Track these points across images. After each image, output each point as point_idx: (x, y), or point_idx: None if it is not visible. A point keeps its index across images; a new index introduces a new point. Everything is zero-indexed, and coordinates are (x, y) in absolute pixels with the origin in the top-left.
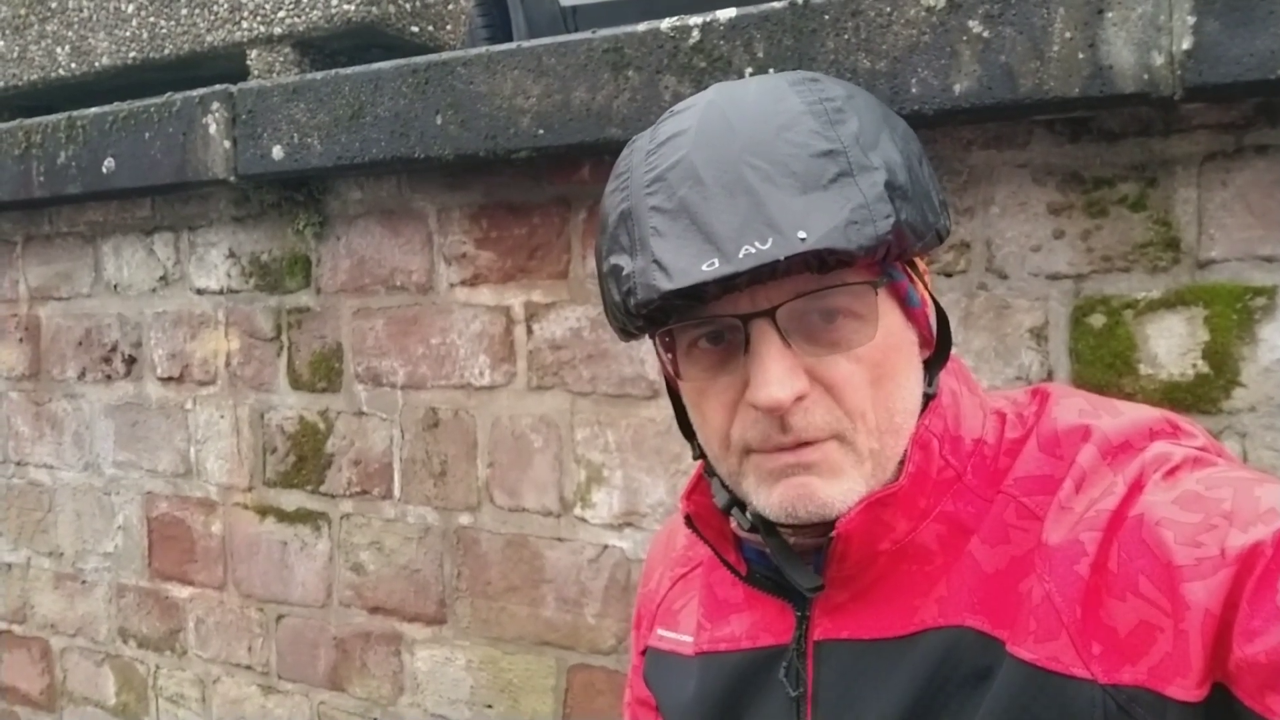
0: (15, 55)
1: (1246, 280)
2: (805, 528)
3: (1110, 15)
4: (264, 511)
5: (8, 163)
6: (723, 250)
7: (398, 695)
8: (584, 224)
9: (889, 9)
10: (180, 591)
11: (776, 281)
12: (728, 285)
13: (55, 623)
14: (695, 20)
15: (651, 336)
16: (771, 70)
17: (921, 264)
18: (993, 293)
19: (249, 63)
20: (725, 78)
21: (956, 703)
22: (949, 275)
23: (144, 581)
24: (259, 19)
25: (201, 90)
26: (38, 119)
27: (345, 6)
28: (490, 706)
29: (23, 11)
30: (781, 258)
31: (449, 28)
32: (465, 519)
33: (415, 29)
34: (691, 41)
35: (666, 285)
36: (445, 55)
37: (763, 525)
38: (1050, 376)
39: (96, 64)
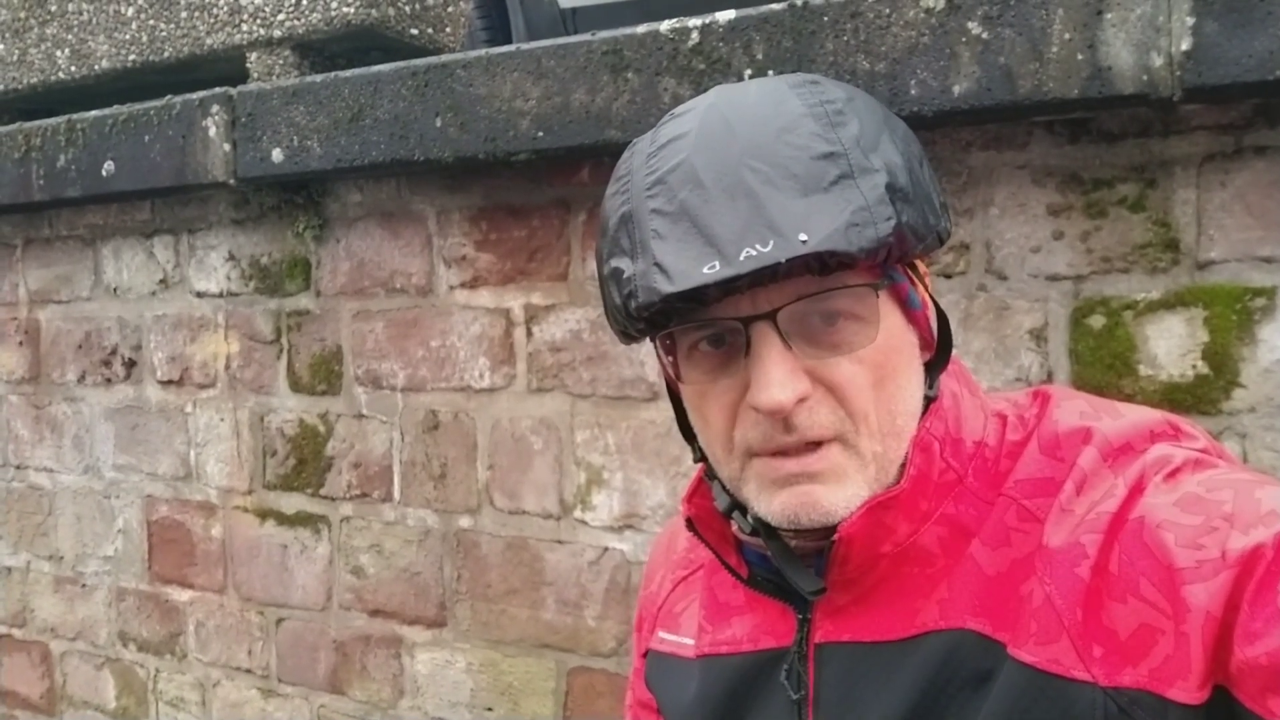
0: (15, 59)
1: (1246, 281)
2: (807, 531)
3: (1109, 16)
4: (264, 514)
5: (7, 166)
6: (724, 253)
7: (398, 698)
8: (584, 226)
9: (888, 11)
10: (180, 595)
11: (777, 284)
12: (729, 288)
13: (55, 626)
14: (694, 22)
15: (652, 339)
16: (771, 72)
17: (922, 266)
18: (992, 294)
19: (248, 65)
20: (724, 79)
21: (958, 705)
22: (949, 276)
23: (144, 585)
24: (258, 22)
25: (201, 93)
26: (37, 122)
27: (345, 9)
28: (491, 709)
29: (22, 15)
30: (783, 260)
31: (448, 30)
32: (465, 521)
33: (415, 31)
34: (691, 43)
35: (668, 288)
36: (445, 58)
37: (764, 529)
38: (1050, 378)
39: (96, 67)
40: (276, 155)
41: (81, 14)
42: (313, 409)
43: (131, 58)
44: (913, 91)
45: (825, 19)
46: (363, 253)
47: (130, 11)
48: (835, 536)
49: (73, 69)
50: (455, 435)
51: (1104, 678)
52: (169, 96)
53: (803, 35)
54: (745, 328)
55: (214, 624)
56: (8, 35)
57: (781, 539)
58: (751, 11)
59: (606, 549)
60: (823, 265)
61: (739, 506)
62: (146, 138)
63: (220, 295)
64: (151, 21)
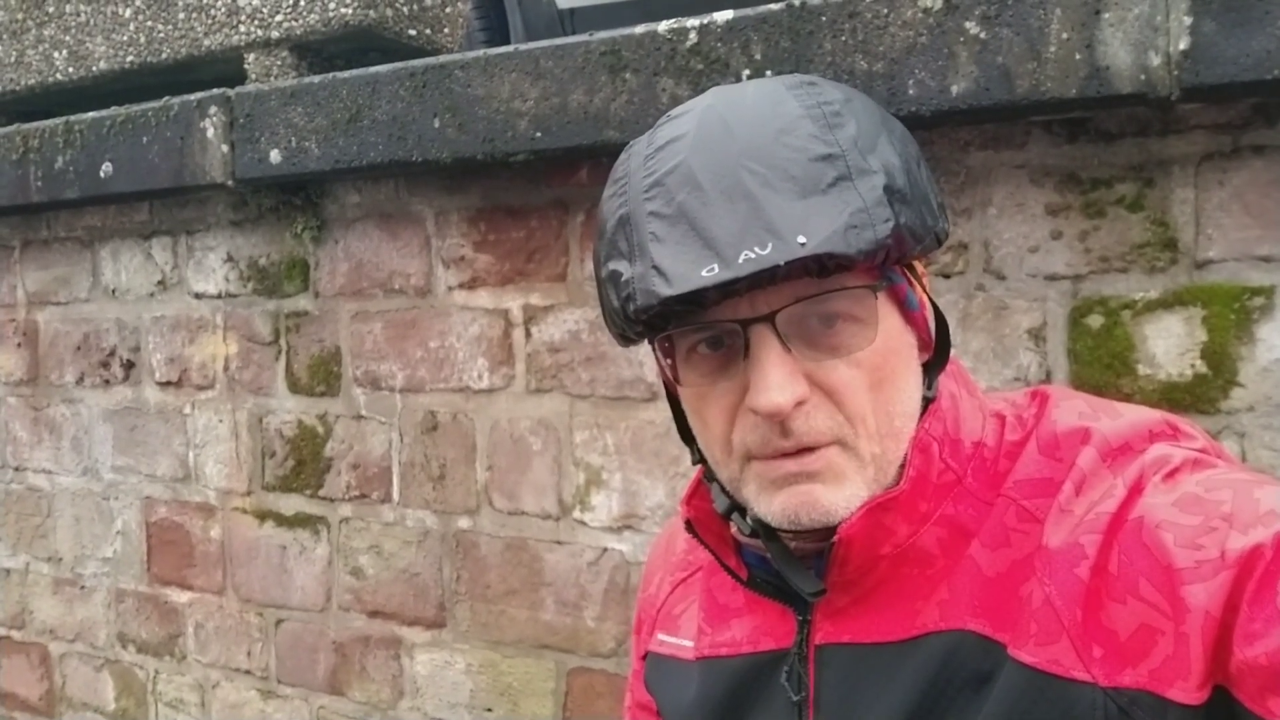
0: (12, 60)
1: (1244, 280)
2: (806, 533)
3: (1107, 16)
4: (263, 516)
5: (5, 168)
6: (722, 255)
7: (397, 699)
8: (582, 226)
9: (886, 11)
10: (179, 596)
11: (776, 286)
12: (727, 291)
13: (54, 628)
14: (692, 22)
15: (650, 342)
16: (769, 72)
17: (920, 266)
18: (990, 294)
19: (246, 66)
20: (723, 80)
21: (958, 706)
22: (947, 276)
23: (143, 586)
24: (256, 23)
25: (199, 94)
26: (35, 124)
27: (342, 10)
28: (490, 710)
29: (20, 16)
30: (781, 263)
31: (446, 31)
32: (464, 522)
33: (413, 32)
34: (689, 44)
35: (666, 291)
36: (443, 58)
37: (763, 530)
38: (1049, 377)
39: (94, 69)
40: (274, 156)
41: (79, 15)
42: (311, 410)
43: (129, 59)
44: (911, 91)
45: (823, 19)
46: (361, 254)
47: (128, 13)
48: (835, 538)
49: (70, 70)
50: (454, 436)
51: (1104, 678)
52: (167, 98)
53: (801, 35)
54: (744, 330)
55: (213, 625)
56: (5, 37)
57: (781, 541)
58: (749, 12)
59: (606, 549)
60: (821, 267)
61: (738, 508)
62: (144, 139)
63: (219, 296)
64: (149, 23)
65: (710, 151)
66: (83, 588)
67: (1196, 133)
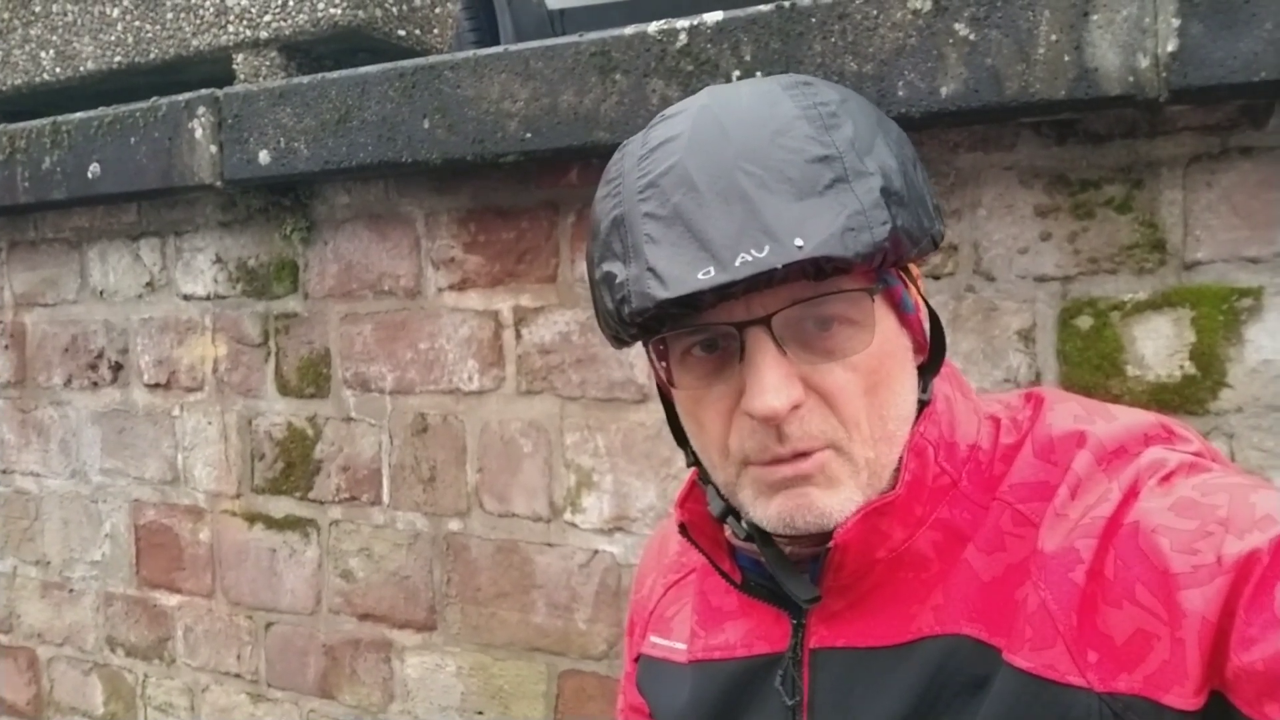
0: None
1: (1232, 281)
2: (802, 537)
3: (1095, 18)
4: (252, 518)
5: None
6: (719, 258)
7: (388, 702)
8: (572, 228)
9: (875, 12)
10: (168, 599)
11: (772, 289)
12: (723, 293)
13: (42, 632)
14: (682, 23)
15: (645, 344)
16: (759, 74)
17: (914, 268)
18: (980, 295)
19: (235, 67)
20: (712, 81)
21: (953, 711)
22: (937, 278)
23: (132, 590)
24: (245, 23)
25: (187, 95)
26: (22, 124)
27: (331, 10)
28: (481, 713)
29: (6, 15)
30: (779, 266)
31: (436, 31)
32: (455, 525)
33: (402, 33)
34: (679, 45)
35: (662, 294)
36: (432, 59)
37: (758, 535)
38: (1038, 378)
39: (81, 69)
40: (263, 157)
41: (66, 15)
42: (301, 412)
43: (117, 59)
44: (900, 93)
45: (813, 20)
46: (350, 255)
47: (115, 13)
48: (830, 543)
49: (57, 70)
50: (444, 438)
51: (1099, 683)
52: (155, 98)
53: (790, 36)
54: (740, 333)
55: (202, 628)
56: None
57: (776, 545)
58: (739, 13)
59: (597, 551)
60: (818, 270)
61: (732, 511)
62: (132, 140)
63: (207, 298)
64: (137, 23)
65: (706, 152)
66: (71, 591)
67: (1185, 134)
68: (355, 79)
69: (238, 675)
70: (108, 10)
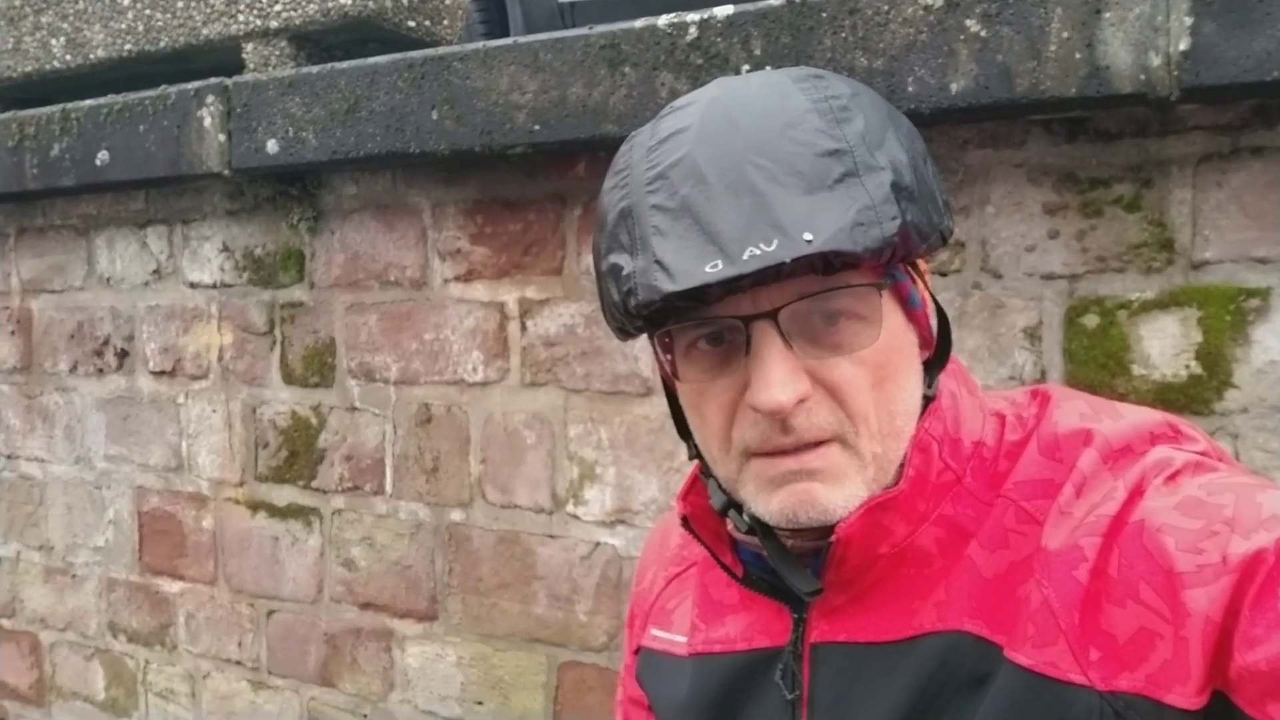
0: (10, 47)
1: (1240, 282)
2: (803, 531)
3: (1108, 16)
4: (255, 506)
5: (1, 155)
6: (726, 251)
7: (388, 691)
8: (579, 220)
9: (886, 7)
10: (171, 586)
11: (779, 283)
12: (731, 287)
13: (45, 617)
14: (693, 17)
15: (650, 337)
16: (769, 68)
17: (922, 263)
18: (987, 292)
19: (244, 56)
20: (722, 75)
21: (954, 708)
22: (944, 274)
23: (134, 576)
24: (255, 12)
25: (196, 83)
26: (32, 111)
27: (342, 0)
28: (481, 703)
29: (17, 3)
30: (787, 260)
31: (446, 23)
32: (457, 515)
33: (412, 24)
34: (689, 38)
35: (669, 286)
36: (441, 50)
37: (760, 528)
38: (1044, 376)
39: (91, 56)
40: (271, 146)
41: (77, 3)
42: (305, 401)
43: (127, 47)
44: (910, 89)
45: (824, 15)
46: (357, 245)
47: (126, 1)
48: (833, 538)
49: (68, 58)
50: (448, 429)
51: (1101, 681)
52: (164, 86)
53: (801, 31)
54: (746, 326)
55: (204, 615)
56: (2, 23)
57: (778, 539)
58: (750, 7)
59: (598, 544)
60: (827, 265)
61: (734, 505)
62: (141, 127)
63: (214, 286)
64: (148, 11)
65: (715, 144)
66: (74, 577)
67: (1195, 133)
68: (364, 69)
69: (239, 662)
70: None
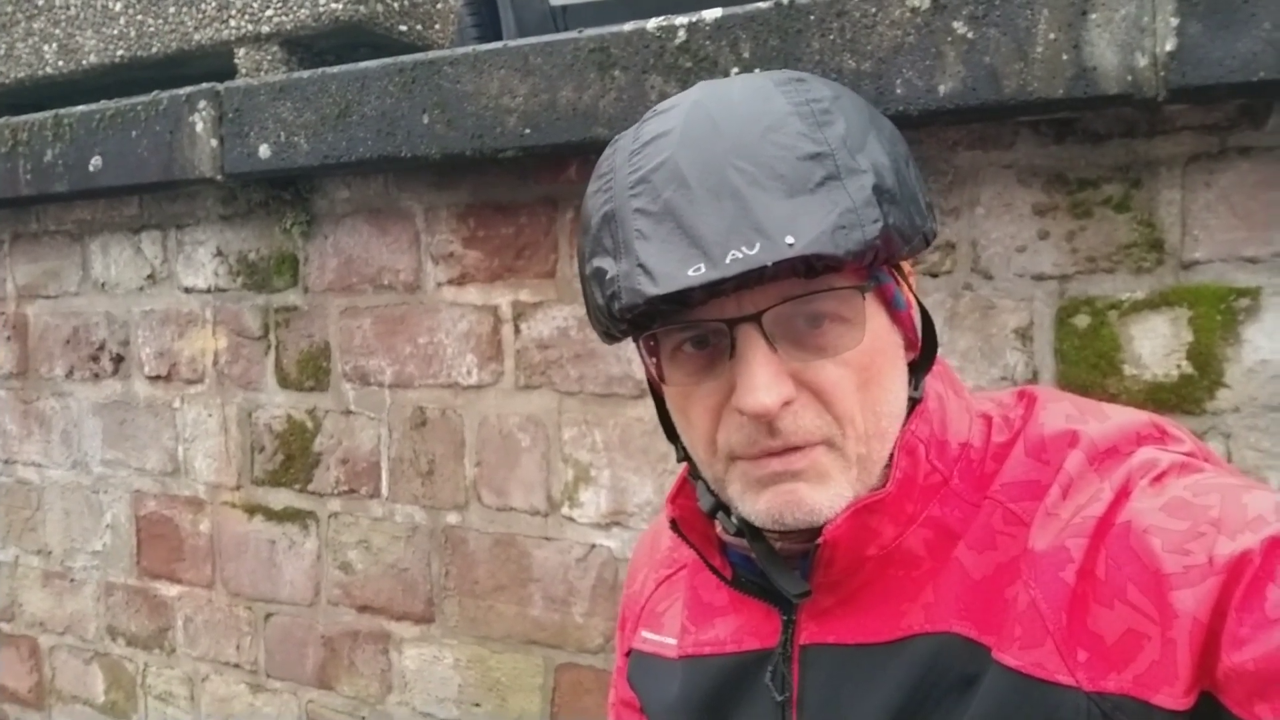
0: (2, 53)
1: (1230, 281)
2: (791, 533)
3: (1094, 17)
4: (252, 510)
5: None
6: (709, 255)
7: (386, 694)
8: (571, 223)
9: (874, 10)
10: (169, 590)
11: (763, 286)
12: (714, 290)
13: (44, 621)
14: (681, 20)
15: (635, 340)
16: (757, 71)
17: (907, 265)
18: (978, 293)
19: (236, 61)
20: (711, 78)
21: (943, 709)
22: (934, 276)
23: (132, 580)
24: (247, 17)
25: (189, 88)
26: (24, 117)
27: (333, 5)
28: (478, 705)
29: (9, 9)
30: (769, 263)
31: (438, 27)
32: (453, 518)
33: (404, 28)
34: (678, 41)
35: (652, 290)
36: (432, 54)
37: (748, 530)
38: (1035, 377)
39: (84, 62)
40: (264, 151)
41: (69, 9)
42: (300, 405)
43: (119, 53)
44: (898, 91)
45: (811, 18)
46: (350, 249)
47: (118, 6)
48: (820, 539)
49: (60, 64)
50: (443, 432)
51: (1088, 682)
52: (156, 92)
53: (789, 34)
54: (730, 330)
55: (202, 619)
56: None
57: (766, 541)
58: (738, 10)
59: (594, 546)
60: (809, 268)
61: (723, 507)
62: (134, 133)
63: (208, 291)
64: (140, 17)
65: (697, 148)
66: (72, 581)
67: (1183, 134)
68: (355, 74)
69: (237, 665)
70: (110, 4)
